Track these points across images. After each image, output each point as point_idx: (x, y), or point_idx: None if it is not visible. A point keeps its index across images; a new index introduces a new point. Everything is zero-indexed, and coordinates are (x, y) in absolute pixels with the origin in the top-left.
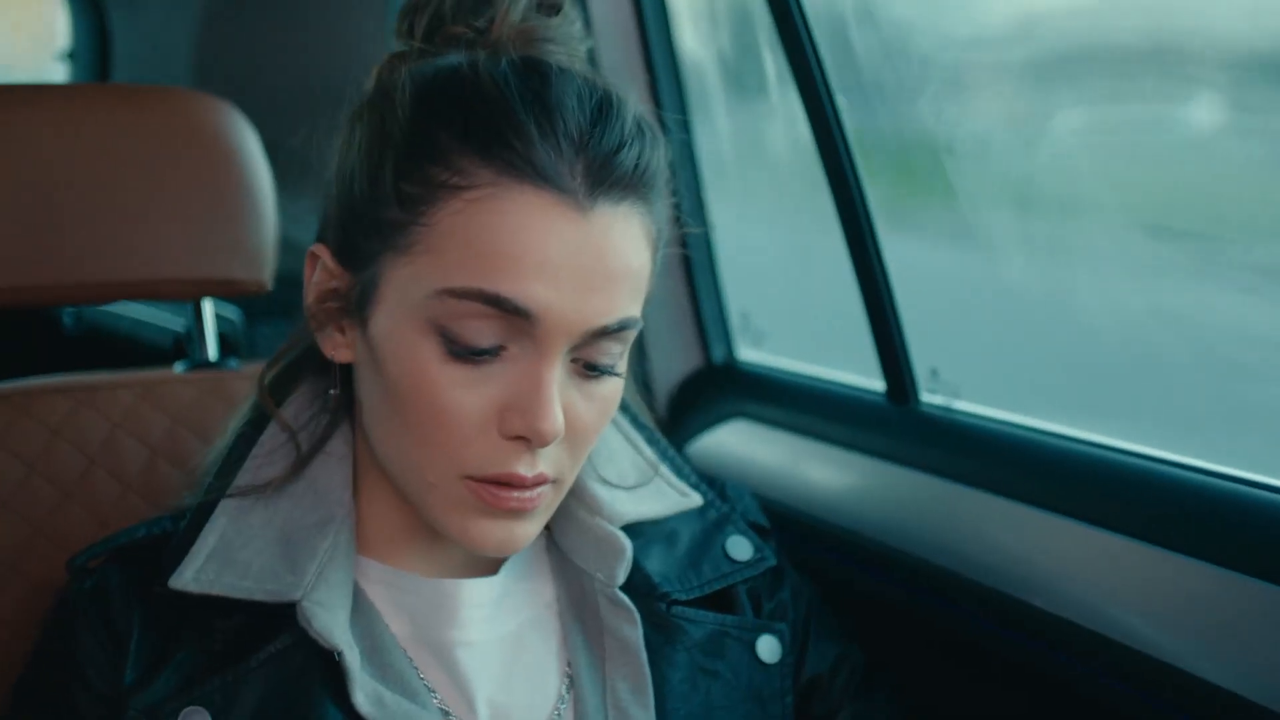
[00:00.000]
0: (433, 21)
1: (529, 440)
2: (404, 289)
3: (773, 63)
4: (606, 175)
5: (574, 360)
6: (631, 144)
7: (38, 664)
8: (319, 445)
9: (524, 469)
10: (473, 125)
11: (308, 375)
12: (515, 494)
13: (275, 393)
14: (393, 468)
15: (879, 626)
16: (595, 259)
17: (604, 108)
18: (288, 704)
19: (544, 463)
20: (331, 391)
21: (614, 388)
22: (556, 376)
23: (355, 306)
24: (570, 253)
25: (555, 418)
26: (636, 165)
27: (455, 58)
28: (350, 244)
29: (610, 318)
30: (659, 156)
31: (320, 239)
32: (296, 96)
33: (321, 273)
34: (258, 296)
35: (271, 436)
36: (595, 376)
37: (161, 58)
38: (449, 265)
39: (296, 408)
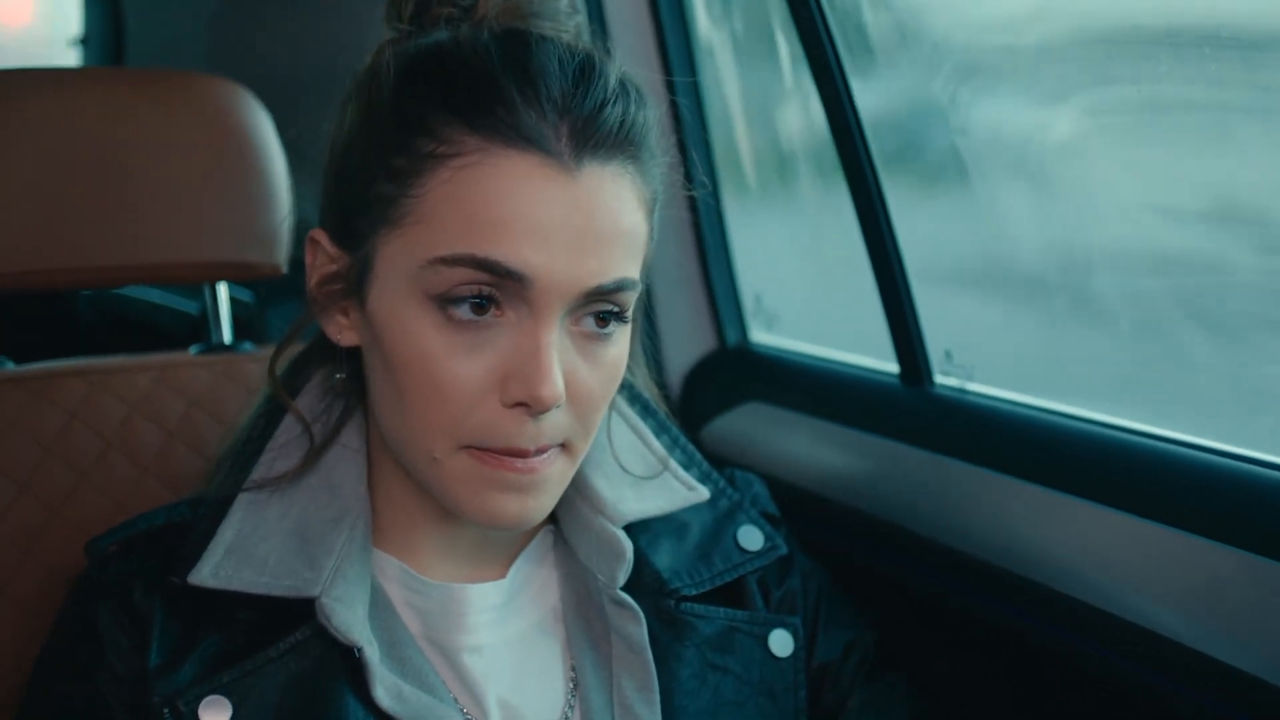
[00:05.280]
0: (419, 3)
1: (529, 407)
2: (398, 262)
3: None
4: (591, 134)
5: (574, 325)
6: (615, 102)
7: (57, 647)
8: (332, 436)
9: (526, 442)
10: (457, 95)
11: (320, 365)
12: (521, 459)
13: (288, 384)
14: (399, 448)
15: (893, 609)
16: (585, 219)
17: (586, 69)
18: (308, 695)
19: (549, 433)
20: (338, 375)
21: (618, 353)
22: (554, 340)
23: (354, 286)
24: (560, 214)
25: (554, 382)
26: (622, 123)
27: (439, 34)
28: (346, 224)
29: (605, 278)
30: (645, 116)
31: (320, 224)
32: (313, 78)
33: (321, 256)
34: (272, 279)
35: (286, 429)
36: (597, 340)
37: (175, 42)
38: (440, 234)
39: (311, 398)
